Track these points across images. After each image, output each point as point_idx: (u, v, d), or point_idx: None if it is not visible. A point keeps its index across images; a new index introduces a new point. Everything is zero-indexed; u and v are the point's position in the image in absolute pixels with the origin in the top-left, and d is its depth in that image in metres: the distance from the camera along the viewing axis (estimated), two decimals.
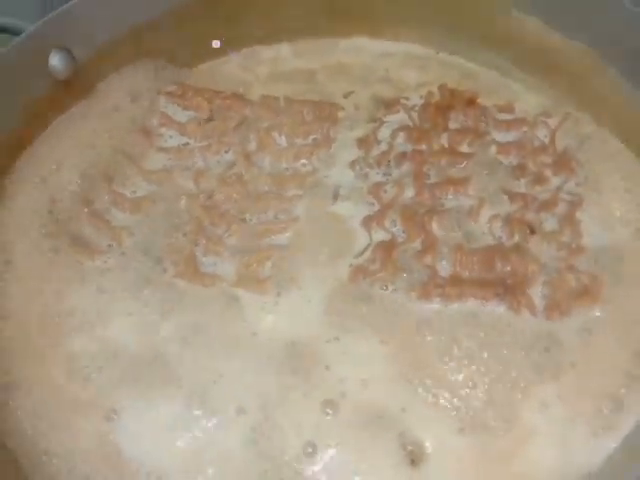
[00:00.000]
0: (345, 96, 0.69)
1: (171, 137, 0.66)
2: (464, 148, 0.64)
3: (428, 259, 0.56)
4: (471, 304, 0.54)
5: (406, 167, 0.62)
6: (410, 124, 0.66)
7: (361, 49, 0.74)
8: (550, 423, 0.50)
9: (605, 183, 0.60)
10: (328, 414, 0.50)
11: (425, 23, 0.72)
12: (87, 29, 0.63)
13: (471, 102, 0.67)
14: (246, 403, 0.51)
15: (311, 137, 0.66)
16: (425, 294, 0.54)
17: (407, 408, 0.50)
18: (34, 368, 0.53)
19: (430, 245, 0.57)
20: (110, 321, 0.54)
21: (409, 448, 0.49)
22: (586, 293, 0.54)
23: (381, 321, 0.53)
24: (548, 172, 0.61)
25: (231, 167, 0.63)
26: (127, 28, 0.66)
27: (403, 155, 0.63)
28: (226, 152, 0.65)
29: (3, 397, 0.51)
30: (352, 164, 0.63)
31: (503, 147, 0.63)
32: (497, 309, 0.53)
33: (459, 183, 0.61)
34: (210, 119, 0.67)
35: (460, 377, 0.51)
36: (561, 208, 0.59)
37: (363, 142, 0.65)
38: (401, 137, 0.65)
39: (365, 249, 0.58)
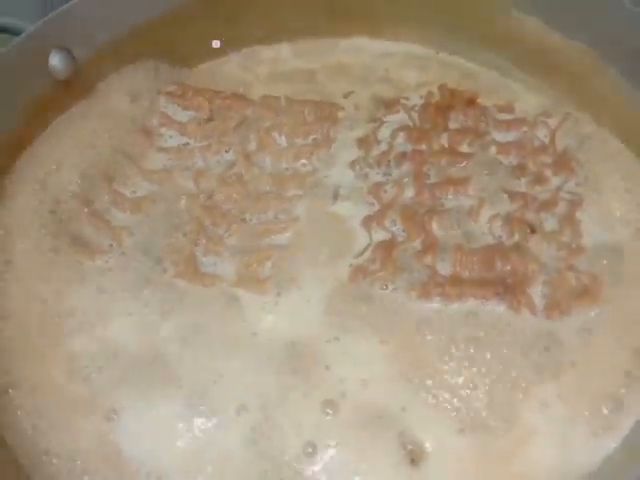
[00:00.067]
0: (345, 96, 0.69)
1: (171, 137, 0.67)
2: (464, 148, 0.64)
3: (428, 259, 0.56)
4: (471, 303, 0.54)
5: (406, 167, 0.62)
6: (410, 124, 0.66)
7: (361, 49, 0.74)
8: (550, 423, 0.50)
9: (605, 183, 0.60)
10: (328, 414, 0.50)
11: (425, 23, 0.72)
12: (87, 29, 0.63)
13: (471, 102, 0.67)
14: (246, 403, 0.51)
15: (311, 137, 0.66)
16: (425, 294, 0.54)
17: (407, 408, 0.50)
18: (34, 368, 0.53)
19: (430, 245, 0.57)
20: (110, 321, 0.54)
21: (409, 447, 0.49)
22: (586, 293, 0.54)
23: (381, 321, 0.53)
24: (548, 172, 0.61)
25: (231, 167, 0.63)
26: (127, 28, 0.66)
27: (403, 155, 0.63)
28: (226, 152, 0.65)
29: (3, 397, 0.51)
30: (352, 164, 0.63)
31: (503, 147, 0.63)
32: (497, 308, 0.53)
33: (459, 183, 0.61)
34: (210, 119, 0.67)
35: (460, 377, 0.51)
36: (561, 208, 0.59)
37: (363, 142, 0.65)
38: (401, 137, 0.65)
39: (365, 249, 0.58)
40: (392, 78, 0.70)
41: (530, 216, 0.58)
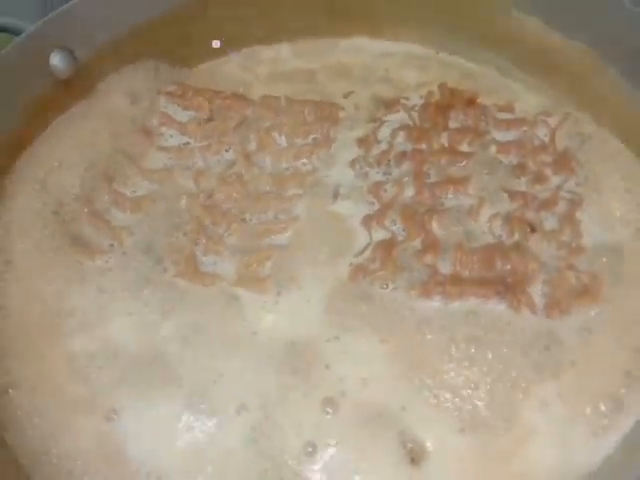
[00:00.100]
0: (345, 96, 0.69)
1: (171, 136, 0.66)
2: (464, 147, 0.64)
3: (428, 258, 0.56)
4: (471, 303, 0.54)
5: (406, 166, 0.62)
6: (410, 123, 0.66)
7: (361, 49, 0.74)
8: (550, 422, 0.50)
9: (605, 183, 0.60)
10: (328, 413, 0.50)
11: (425, 23, 0.72)
12: (87, 29, 0.63)
13: (471, 102, 0.67)
14: (246, 402, 0.51)
15: (311, 137, 0.66)
16: (425, 293, 0.54)
17: (407, 407, 0.50)
18: (34, 368, 0.53)
19: (430, 244, 0.57)
20: (110, 321, 0.54)
21: (409, 446, 0.49)
22: (586, 292, 0.54)
23: (381, 320, 0.53)
24: (548, 171, 0.61)
25: (231, 167, 0.63)
26: (127, 28, 0.66)
27: (403, 154, 0.63)
28: (226, 151, 0.65)
29: (3, 397, 0.51)
30: (352, 163, 0.63)
31: (503, 146, 0.63)
32: (497, 307, 0.53)
33: (459, 182, 0.60)
34: (210, 119, 0.67)
35: (460, 376, 0.51)
36: (561, 207, 0.59)
37: (363, 142, 0.65)
38: (401, 136, 0.65)
39: (365, 248, 0.58)
40: (392, 78, 0.70)
41: (530, 215, 0.58)
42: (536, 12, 0.65)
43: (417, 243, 0.57)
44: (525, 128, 0.65)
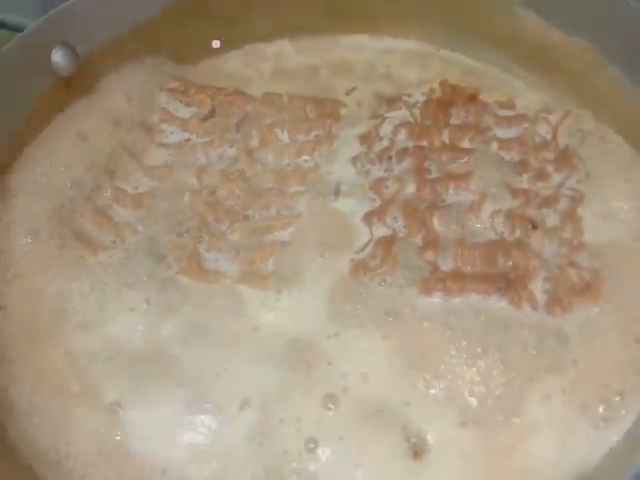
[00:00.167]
0: (347, 93, 0.69)
1: (172, 133, 0.66)
2: (465, 144, 0.64)
3: (429, 254, 0.56)
4: (472, 299, 0.54)
5: (407, 163, 0.62)
6: (412, 120, 0.66)
7: (362, 46, 0.74)
8: (551, 417, 0.50)
9: (606, 179, 0.60)
10: (330, 409, 0.50)
11: (425, 23, 0.72)
12: (87, 26, 0.63)
13: (473, 98, 0.67)
14: (249, 398, 0.51)
15: (313, 133, 0.66)
16: (426, 289, 0.54)
17: (410, 402, 0.50)
18: (34, 368, 0.52)
19: (431, 241, 0.57)
20: (112, 319, 0.54)
21: (413, 440, 0.49)
22: (587, 289, 0.54)
23: (383, 316, 0.53)
24: (550, 168, 0.61)
25: (233, 163, 0.63)
26: (128, 26, 0.66)
27: (405, 151, 0.63)
28: (229, 148, 0.65)
29: (3, 397, 0.51)
30: (354, 160, 0.63)
31: (504, 143, 0.63)
32: (498, 304, 0.53)
33: (460, 178, 0.60)
34: (212, 115, 0.67)
35: (461, 371, 0.51)
36: (563, 204, 0.59)
37: (365, 138, 0.65)
38: (403, 133, 0.65)
39: (366, 245, 0.58)
40: (394, 75, 0.70)
41: (532, 212, 0.58)
42: (536, 9, 0.65)
43: (418, 239, 0.57)
44: (526, 125, 0.65)
